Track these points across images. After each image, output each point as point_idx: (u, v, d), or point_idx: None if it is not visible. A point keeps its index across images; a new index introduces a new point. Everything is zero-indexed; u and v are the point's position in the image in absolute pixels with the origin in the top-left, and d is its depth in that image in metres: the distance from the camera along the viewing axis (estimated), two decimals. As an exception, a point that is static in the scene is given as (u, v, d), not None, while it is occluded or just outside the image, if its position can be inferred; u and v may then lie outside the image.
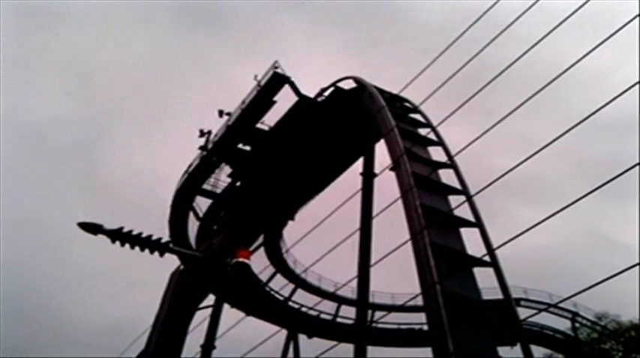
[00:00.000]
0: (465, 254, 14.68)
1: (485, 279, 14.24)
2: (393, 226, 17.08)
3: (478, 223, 15.28)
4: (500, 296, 14.12)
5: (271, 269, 36.89)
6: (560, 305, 38.52)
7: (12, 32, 68.70)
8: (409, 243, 14.33)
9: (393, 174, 17.21)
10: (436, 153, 18.56)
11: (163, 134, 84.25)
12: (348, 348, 23.13)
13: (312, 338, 39.25)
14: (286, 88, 23.10)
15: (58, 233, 61.16)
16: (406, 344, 38.31)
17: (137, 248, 18.72)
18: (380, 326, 38.59)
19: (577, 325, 39.17)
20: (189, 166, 28.66)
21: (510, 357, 14.10)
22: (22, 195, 67.04)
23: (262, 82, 23.37)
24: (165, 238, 19.14)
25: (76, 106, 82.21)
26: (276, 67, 22.71)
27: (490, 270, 14.31)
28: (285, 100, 23.53)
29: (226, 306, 33.72)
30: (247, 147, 25.97)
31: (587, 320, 38.74)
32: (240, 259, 19.80)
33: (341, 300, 38.78)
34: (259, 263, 34.29)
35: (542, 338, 38.43)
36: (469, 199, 15.75)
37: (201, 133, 27.84)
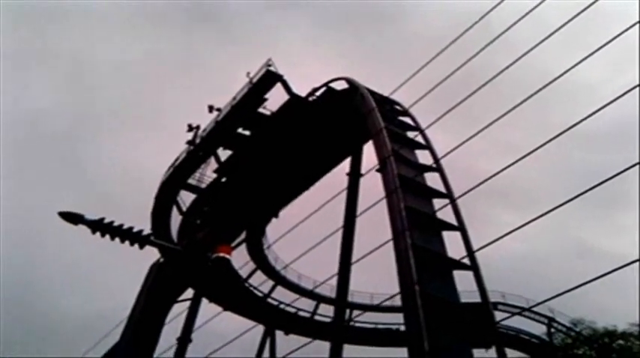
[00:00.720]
0: (445, 257, 14.81)
1: (464, 282, 14.39)
2: (375, 227, 17.16)
3: (460, 227, 15.42)
4: (478, 299, 14.28)
5: (252, 266, 36.86)
6: (538, 310, 39.00)
7: (4, 25, 67.72)
8: (391, 244, 14.42)
9: (378, 175, 17.31)
10: (424, 157, 18.69)
11: (151, 127, 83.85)
12: (324, 346, 23.24)
13: (288, 335, 39.29)
14: (278, 86, 23.15)
15: (39, 223, 60.55)
16: (383, 344, 38.55)
17: (117, 239, 18.67)
18: (358, 325, 38.82)
19: (552, 330, 39.66)
20: (176, 160, 28.58)
21: (485, 359, 14.25)
22: (4, 185, 66.08)
23: (254, 79, 23.36)
24: (148, 231, 19.13)
25: (64, 98, 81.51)
26: (270, 65, 22.72)
27: (470, 274, 14.48)
28: (277, 98, 23.56)
29: (204, 301, 33.62)
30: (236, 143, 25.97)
31: (563, 325, 39.26)
32: (221, 254, 19.81)
33: (320, 298, 38.89)
34: (240, 259, 34.24)
35: (517, 342, 38.89)
36: (453, 203, 15.88)
37: (190, 128, 27.81)
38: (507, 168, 10.57)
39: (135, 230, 18.69)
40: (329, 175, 26.34)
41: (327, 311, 38.72)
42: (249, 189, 26.22)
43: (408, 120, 20.92)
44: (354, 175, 24.04)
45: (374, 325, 39.59)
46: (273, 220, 30.98)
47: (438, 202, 16.56)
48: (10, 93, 70.78)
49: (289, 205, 28.96)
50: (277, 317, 38.84)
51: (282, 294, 38.83)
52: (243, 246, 34.48)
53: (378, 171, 17.43)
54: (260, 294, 38.15)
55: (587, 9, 11.16)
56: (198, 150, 26.73)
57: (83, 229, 18.06)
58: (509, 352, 14.85)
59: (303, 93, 23.81)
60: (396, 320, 38.19)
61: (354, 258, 22.54)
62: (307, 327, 37.75)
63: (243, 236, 33.15)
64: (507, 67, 12.42)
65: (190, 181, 28.33)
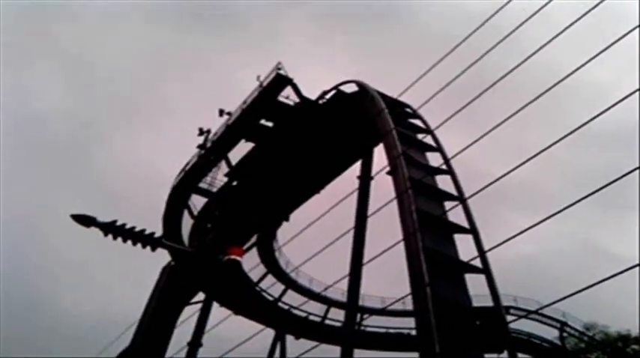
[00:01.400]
0: (457, 260, 14.76)
1: (477, 286, 14.31)
2: (387, 231, 17.12)
3: (472, 229, 15.36)
4: (490, 303, 14.19)
5: (262, 269, 36.85)
6: (550, 315, 38.69)
7: (11, 24, 68.39)
8: (402, 249, 14.37)
9: (389, 179, 17.28)
10: (434, 159, 18.65)
11: (163, 131, 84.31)
12: (335, 350, 23.20)
13: (299, 339, 39.21)
14: (289, 89, 23.21)
15: (50, 226, 61.01)
16: (394, 349, 38.34)
17: (129, 242, 18.71)
18: (368, 329, 38.67)
19: (565, 334, 39.33)
20: (187, 164, 28.70)
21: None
22: (14, 187, 66.70)
23: (265, 83, 23.44)
24: (159, 234, 19.16)
25: (74, 99, 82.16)
26: (279, 69, 22.80)
27: (482, 277, 14.40)
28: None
29: (215, 305, 33.66)
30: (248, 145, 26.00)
31: (575, 330, 38.92)
32: (233, 256, 19.79)
33: (331, 302, 38.79)
34: (251, 262, 34.26)
35: (529, 346, 38.55)
36: (464, 205, 15.81)
37: (201, 132, 27.94)
38: (517, 169, 10.50)
39: (146, 233, 18.72)
40: (340, 178, 26.33)
41: (337, 316, 38.61)
42: (260, 193, 26.26)
43: (418, 122, 20.90)
44: (365, 178, 23.99)
45: (385, 329, 39.42)
46: (284, 224, 31.02)
47: (449, 204, 16.52)
48: (19, 94, 71.53)
49: (300, 209, 28.98)
50: (288, 321, 38.75)
51: (292, 298, 38.77)
52: (254, 250, 34.51)
53: (388, 173, 17.41)
54: (271, 298, 38.13)
55: (595, 7, 11.07)
56: (210, 154, 26.82)
57: (94, 232, 18.12)
58: (521, 357, 14.75)
59: (312, 96, 23.85)
60: (407, 325, 38.06)
61: (365, 261, 22.47)
62: (318, 331, 37.62)
63: (254, 239, 33.17)
64: (516, 67, 12.38)
65: (201, 185, 28.41)
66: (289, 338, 39.86)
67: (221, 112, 26.41)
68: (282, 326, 39.03)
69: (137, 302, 32.52)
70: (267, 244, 34.70)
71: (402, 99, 21.10)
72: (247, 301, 35.81)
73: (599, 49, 10.97)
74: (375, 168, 24.05)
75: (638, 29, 9.55)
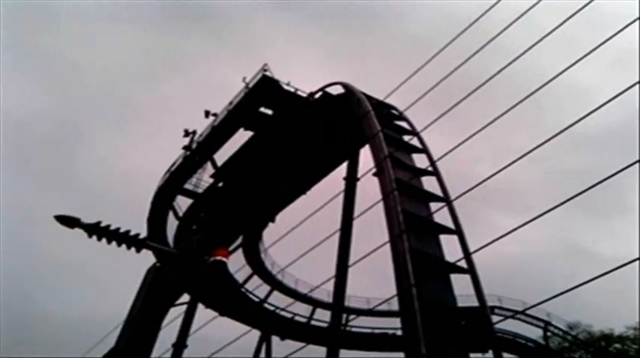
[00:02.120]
0: (442, 260, 14.85)
1: (462, 286, 14.41)
2: (372, 230, 17.18)
3: (457, 230, 15.48)
4: (475, 303, 14.29)
5: (248, 270, 36.83)
6: (534, 314, 39.12)
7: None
8: (388, 249, 14.43)
9: (375, 179, 17.34)
10: (420, 160, 18.76)
11: (148, 133, 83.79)
12: (321, 351, 23.23)
13: (284, 340, 39.24)
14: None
15: (33, 227, 60.34)
16: (379, 349, 38.53)
17: (114, 243, 18.59)
18: (354, 329, 38.80)
19: (549, 334, 39.77)
20: (172, 165, 28.59)
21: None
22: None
23: (251, 84, 23.40)
24: (144, 235, 19.06)
25: (56, 100, 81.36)
26: (265, 70, 22.81)
27: (467, 277, 14.50)
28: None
29: (200, 307, 33.55)
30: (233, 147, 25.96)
31: (559, 329, 39.38)
32: (219, 257, 19.74)
33: (317, 303, 38.88)
34: (237, 264, 34.21)
35: (514, 345, 38.97)
36: (449, 206, 15.94)
37: (186, 133, 27.84)
38: (502, 171, 10.60)
39: (131, 234, 18.62)
40: (326, 179, 26.36)
41: (323, 316, 38.71)
42: (245, 194, 26.22)
43: (404, 124, 21.00)
44: (351, 179, 24.06)
45: (370, 330, 39.58)
46: (270, 225, 31.01)
47: (434, 205, 16.63)
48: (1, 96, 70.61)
49: (286, 210, 28.97)
50: (273, 322, 38.79)
51: (278, 299, 38.81)
52: (240, 251, 34.46)
53: (374, 174, 17.47)
54: (256, 299, 38.11)
55: (581, 10, 11.23)
56: (195, 155, 26.74)
57: (79, 233, 17.98)
58: (505, 356, 14.88)
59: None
60: (392, 325, 38.25)
61: (350, 262, 22.52)
62: (303, 332, 37.73)
63: (239, 241, 33.12)
64: (502, 69, 12.48)
65: (187, 186, 28.31)
66: (275, 339, 39.91)
67: (207, 113, 26.35)
68: (268, 327, 39.05)
69: (122, 303, 32.27)
70: (252, 245, 34.69)
71: (389, 101, 21.24)
72: (233, 302, 35.77)
73: (579, 51, 11.12)
74: (361, 169, 24.17)
75: (638, 27, 9.61)
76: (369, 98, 21.28)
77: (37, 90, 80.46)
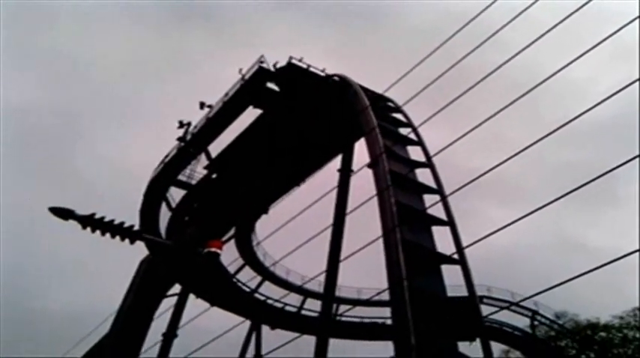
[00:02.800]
0: (434, 251, 15.09)
1: (452, 275, 14.68)
2: (364, 219, 17.39)
3: (450, 222, 15.72)
4: (465, 292, 14.58)
5: (240, 261, 36.96)
6: (522, 304, 39.56)
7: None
8: (380, 239, 14.63)
9: (368, 170, 17.53)
10: (415, 152, 18.96)
11: (141, 124, 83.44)
12: (310, 341, 23.40)
13: (275, 330, 39.49)
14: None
15: (28, 220, 60.05)
16: (369, 338, 38.86)
17: (108, 235, 18.66)
18: (344, 319, 39.08)
19: (536, 323, 40.28)
20: (166, 156, 28.57)
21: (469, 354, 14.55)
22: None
23: (247, 76, 23.40)
24: (137, 227, 19.13)
25: (57, 95, 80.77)
26: (262, 62, 22.75)
27: (458, 267, 14.78)
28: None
29: (191, 297, 33.72)
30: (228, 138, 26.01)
31: (546, 318, 39.88)
32: (212, 249, 19.86)
33: (307, 293, 39.09)
34: (228, 254, 34.34)
35: (501, 334, 39.42)
36: (443, 199, 16.16)
37: (181, 124, 27.79)
38: (498, 167, 10.83)
39: (125, 226, 18.69)
40: (319, 171, 26.51)
41: (314, 306, 38.95)
42: (239, 186, 26.31)
43: (400, 116, 21.13)
44: (345, 172, 24.21)
45: (360, 319, 39.91)
46: (263, 216, 31.15)
47: (427, 197, 16.86)
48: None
49: (279, 201, 29.14)
50: (264, 311, 38.99)
51: (270, 290, 39.00)
52: (232, 242, 34.58)
53: (369, 166, 17.63)
54: (247, 290, 38.27)
55: (582, 7, 11.44)
56: (189, 147, 26.75)
57: (72, 225, 18.03)
58: (493, 345, 15.18)
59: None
60: (381, 314, 38.58)
61: (343, 253, 22.73)
62: (293, 322, 37.98)
63: (232, 232, 33.23)
64: (502, 66, 12.70)
65: (180, 177, 28.32)
66: (265, 329, 40.15)
67: (202, 105, 26.33)
68: (258, 316, 39.25)
69: (115, 294, 32.40)
70: (245, 237, 34.81)
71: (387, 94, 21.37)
72: (224, 293, 35.92)
73: (573, 48, 11.35)
74: (355, 160, 24.34)
75: (638, 25, 9.80)
76: (366, 90, 21.38)
77: (36, 87, 79.85)
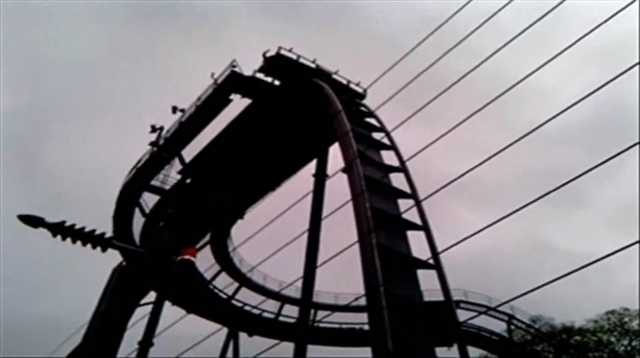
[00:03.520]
0: (410, 256, 15.05)
1: (428, 281, 14.65)
2: (340, 225, 17.31)
3: (425, 227, 15.70)
4: (441, 298, 14.55)
5: (217, 268, 36.61)
6: (498, 308, 39.82)
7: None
8: (356, 244, 14.55)
9: (343, 175, 17.46)
10: (389, 157, 18.95)
11: (113, 129, 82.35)
12: (289, 347, 23.23)
13: (252, 337, 39.19)
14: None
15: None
16: (347, 344, 38.78)
17: (79, 243, 18.28)
18: (322, 325, 38.92)
19: (512, 327, 40.59)
20: (138, 162, 28.18)
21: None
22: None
23: (219, 80, 23.26)
24: (110, 234, 18.79)
25: (26, 98, 79.32)
26: (234, 66, 22.66)
27: (434, 272, 14.76)
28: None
29: (167, 303, 33.25)
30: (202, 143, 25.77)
31: (523, 322, 40.23)
32: (186, 256, 19.58)
33: (285, 299, 38.91)
34: (205, 261, 33.98)
35: (478, 339, 39.64)
36: (418, 203, 16.16)
37: (153, 129, 27.41)
38: (471, 171, 10.82)
39: (97, 233, 18.33)
40: (295, 176, 26.40)
41: (291, 312, 38.76)
42: (214, 191, 26.08)
43: (373, 121, 21.16)
44: (320, 176, 24.14)
45: (338, 325, 39.79)
46: (239, 221, 30.89)
47: (402, 202, 16.84)
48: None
49: (255, 206, 28.92)
50: (241, 318, 38.69)
51: (247, 296, 38.69)
52: (208, 248, 34.24)
53: (343, 171, 17.58)
54: (224, 296, 37.93)
55: (550, 12, 11.52)
56: (162, 152, 26.43)
57: (43, 233, 17.63)
58: (470, 350, 15.17)
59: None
60: (359, 320, 38.51)
61: (320, 258, 22.62)
62: (271, 328, 37.73)
63: (207, 237, 32.91)
64: (474, 69, 12.73)
65: (154, 183, 27.98)
66: (242, 336, 39.82)
67: (174, 109, 26.04)
68: (236, 323, 38.93)
69: (87, 303, 31.76)
70: (221, 242, 34.50)
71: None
72: (200, 299, 35.56)
73: (542, 52, 11.41)
74: (330, 164, 24.29)
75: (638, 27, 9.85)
76: (339, 94, 21.25)
77: (2, 88, 78.26)
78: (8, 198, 60.01)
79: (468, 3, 13.89)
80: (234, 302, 38.47)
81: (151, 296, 32.62)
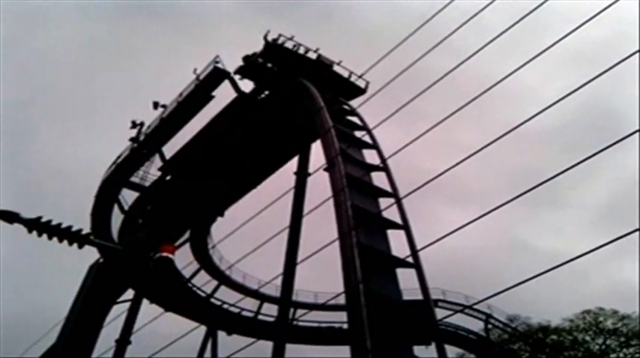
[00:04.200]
0: (389, 255, 15.10)
1: (407, 280, 14.69)
2: (320, 222, 17.29)
3: (405, 226, 15.74)
4: (420, 296, 14.62)
5: (196, 265, 36.34)
6: (476, 307, 40.13)
7: None
8: (336, 243, 14.55)
9: (325, 174, 17.45)
10: (370, 155, 18.97)
11: (94, 125, 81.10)
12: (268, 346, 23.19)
13: (231, 335, 38.99)
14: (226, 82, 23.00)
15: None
16: (326, 343, 38.76)
17: (55, 239, 18.02)
18: (301, 324, 38.88)
19: (490, 326, 40.95)
20: (118, 157, 27.89)
21: (425, 357, 14.60)
22: None
23: (202, 76, 23.10)
24: (87, 230, 18.57)
25: (3, 92, 77.73)
26: (217, 62, 22.55)
27: (413, 271, 14.81)
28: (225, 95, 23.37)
29: (145, 302, 32.94)
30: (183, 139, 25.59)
31: (500, 321, 40.59)
32: (164, 254, 19.40)
33: (264, 298, 38.76)
34: (184, 258, 33.70)
35: (456, 338, 39.89)
36: (398, 201, 16.20)
37: (133, 124, 27.11)
38: (451, 169, 10.87)
39: (74, 229, 18.10)
40: (276, 174, 26.30)
41: (271, 311, 38.64)
42: (194, 188, 25.88)
43: (355, 119, 21.18)
44: (302, 174, 24.09)
45: (317, 324, 39.78)
46: (219, 219, 30.70)
47: (383, 201, 16.88)
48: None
49: (235, 204, 28.75)
50: (220, 317, 38.46)
51: (226, 294, 38.47)
52: (187, 246, 33.98)
53: (325, 170, 17.57)
54: (203, 294, 37.68)
55: (532, 12, 11.63)
56: (142, 148, 26.16)
57: (18, 228, 17.35)
58: (448, 348, 15.26)
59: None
60: (338, 319, 38.55)
61: (300, 257, 22.61)
62: (250, 327, 37.55)
63: (187, 235, 32.66)
64: (455, 68, 12.79)
65: (133, 179, 27.68)
66: (221, 335, 39.60)
67: (155, 105, 25.80)
68: (215, 322, 38.70)
69: (63, 301, 31.32)
70: (200, 240, 34.25)
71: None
72: (179, 298, 35.26)
73: (523, 52, 11.51)
74: (312, 163, 24.24)
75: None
76: (322, 93, 21.18)
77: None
78: (-17, 194, 58.88)
79: (450, 2, 13.96)
80: (213, 300, 38.24)
81: (129, 294, 32.31)
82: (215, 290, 38.10)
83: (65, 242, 18.02)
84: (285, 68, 23.25)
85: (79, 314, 28.95)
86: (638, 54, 8.41)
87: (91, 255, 29.13)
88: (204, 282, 37.19)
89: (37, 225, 17.20)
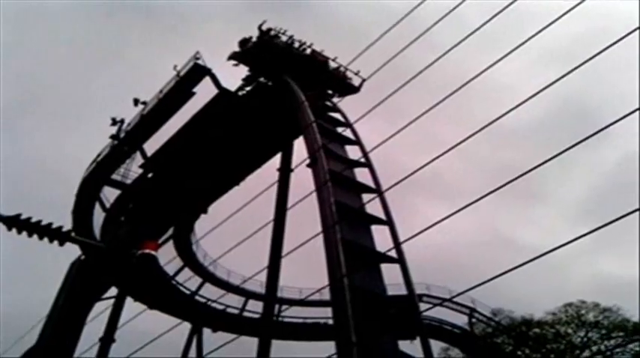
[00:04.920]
0: (373, 250, 15.13)
1: (391, 275, 14.74)
2: (305, 220, 17.27)
3: (388, 221, 15.79)
4: (404, 291, 14.67)
5: (179, 263, 36.14)
6: (460, 301, 40.44)
7: None
8: (320, 238, 14.54)
9: (308, 170, 17.44)
10: (353, 151, 19.00)
11: (72, 121, 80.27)
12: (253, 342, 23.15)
13: (216, 332, 38.88)
14: (207, 79, 22.80)
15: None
16: (311, 338, 38.80)
17: (35, 236, 17.80)
18: (286, 320, 38.90)
19: (474, 320, 41.27)
20: (98, 155, 27.55)
21: (409, 351, 14.66)
22: None
23: (182, 73, 22.89)
24: (69, 228, 18.35)
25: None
26: (198, 58, 22.35)
27: (397, 266, 14.85)
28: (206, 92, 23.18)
29: (129, 299, 32.67)
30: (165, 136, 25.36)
31: (484, 315, 40.93)
32: (147, 251, 19.25)
33: (249, 295, 38.72)
34: (168, 256, 33.48)
35: (440, 332, 40.19)
36: (381, 197, 16.23)
37: (114, 121, 26.73)
38: (431, 163, 10.89)
39: (54, 226, 17.87)
40: (260, 170, 26.19)
41: (256, 307, 38.59)
42: (176, 185, 25.69)
43: (337, 115, 21.17)
44: (285, 170, 24.02)
45: (302, 319, 39.82)
46: (203, 216, 30.52)
47: (367, 196, 16.91)
48: None
49: (219, 201, 28.59)
50: (205, 314, 38.35)
51: (211, 292, 38.35)
52: (171, 243, 33.77)
53: (308, 166, 17.56)
54: (187, 292, 37.51)
55: (507, 7, 11.68)
56: (123, 145, 25.88)
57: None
58: (433, 343, 15.35)
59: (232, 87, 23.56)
60: (323, 315, 38.61)
61: (284, 253, 22.54)
62: (236, 324, 37.50)
63: (170, 232, 32.44)
64: (432, 63, 12.82)
65: (114, 177, 27.38)
66: (206, 332, 39.48)
67: (136, 102, 25.47)
68: (199, 319, 38.56)
69: (44, 299, 30.93)
70: (184, 237, 34.08)
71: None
72: (163, 295, 35.07)
73: (500, 48, 11.56)
74: (295, 160, 24.18)
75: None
76: (303, 88, 21.13)
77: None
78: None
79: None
80: (197, 297, 38.11)
81: (113, 291, 32.03)
82: (200, 287, 37.98)
83: (46, 239, 17.98)
84: (278, 62, 23.18)
85: (60, 313, 28.61)
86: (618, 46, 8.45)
87: (74, 252, 28.87)
88: (188, 279, 37.05)
89: (16, 223, 16.97)
